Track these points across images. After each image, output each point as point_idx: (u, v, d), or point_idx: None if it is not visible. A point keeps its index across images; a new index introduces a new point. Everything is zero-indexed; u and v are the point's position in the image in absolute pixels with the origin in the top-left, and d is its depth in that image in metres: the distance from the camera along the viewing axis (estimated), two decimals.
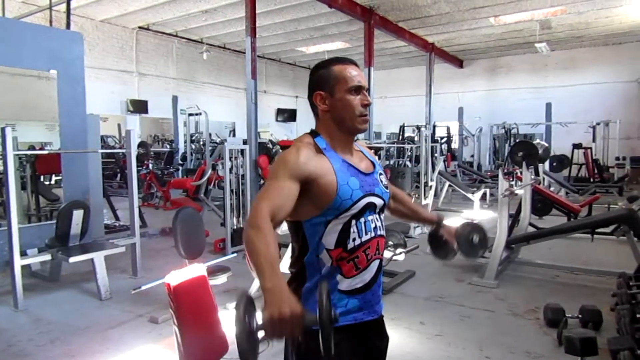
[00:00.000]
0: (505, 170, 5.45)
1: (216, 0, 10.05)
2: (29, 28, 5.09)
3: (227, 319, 3.62)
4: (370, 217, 1.39)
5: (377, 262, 1.43)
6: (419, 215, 1.79)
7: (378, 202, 1.42)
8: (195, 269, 2.02)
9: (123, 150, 5.01)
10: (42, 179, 7.88)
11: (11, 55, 4.84)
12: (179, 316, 1.87)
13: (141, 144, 6.23)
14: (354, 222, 1.35)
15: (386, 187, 1.48)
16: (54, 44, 5.12)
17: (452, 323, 3.64)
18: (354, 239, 1.35)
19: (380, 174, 1.49)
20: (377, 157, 1.65)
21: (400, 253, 3.77)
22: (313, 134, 1.42)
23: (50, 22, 5.43)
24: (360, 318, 1.40)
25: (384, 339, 1.52)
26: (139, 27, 12.01)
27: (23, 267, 3.98)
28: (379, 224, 1.44)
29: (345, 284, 1.36)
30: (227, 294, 4.23)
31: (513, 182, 6.82)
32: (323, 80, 1.39)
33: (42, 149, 7.18)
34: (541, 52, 13.75)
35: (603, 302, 3.64)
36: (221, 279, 3.58)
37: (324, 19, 11.44)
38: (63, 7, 5.41)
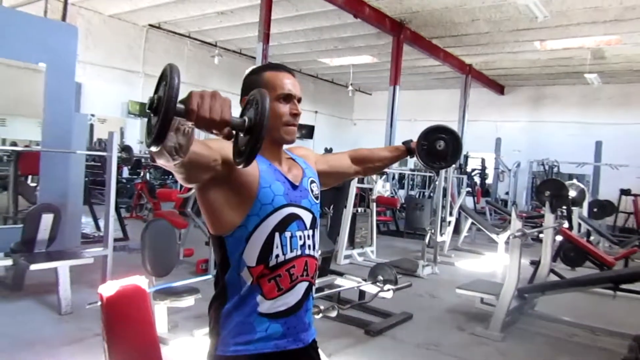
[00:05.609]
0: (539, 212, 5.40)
1: (233, 1, 10.37)
2: (20, 17, 5.36)
3: (180, 346, 3.64)
4: (298, 233, 1.43)
5: (304, 284, 1.45)
6: (388, 157, 1.93)
7: (305, 215, 1.46)
8: (136, 281, 2.09)
9: (104, 154, 5.15)
10: (29, 180, 8.10)
11: None
12: (107, 331, 1.93)
13: (125, 148, 6.39)
14: (277, 235, 1.39)
15: (317, 198, 1.53)
16: (46, 36, 5.37)
17: None
18: (276, 255, 1.39)
19: (312, 181, 1.54)
20: (311, 154, 1.68)
21: (388, 290, 3.77)
22: None
23: (45, 12, 5.71)
24: (283, 346, 1.42)
25: None
26: (150, 25, 12.46)
27: None
28: (309, 242, 1.47)
29: (265, 306, 1.39)
30: (198, 319, 4.25)
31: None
32: (253, 85, 1.45)
33: (27, 147, 7.42)
34: (592, 84, 13.66)
35: None
36: (187, 301, 3.64)
37: (349, 29, 11.62)
38: None
